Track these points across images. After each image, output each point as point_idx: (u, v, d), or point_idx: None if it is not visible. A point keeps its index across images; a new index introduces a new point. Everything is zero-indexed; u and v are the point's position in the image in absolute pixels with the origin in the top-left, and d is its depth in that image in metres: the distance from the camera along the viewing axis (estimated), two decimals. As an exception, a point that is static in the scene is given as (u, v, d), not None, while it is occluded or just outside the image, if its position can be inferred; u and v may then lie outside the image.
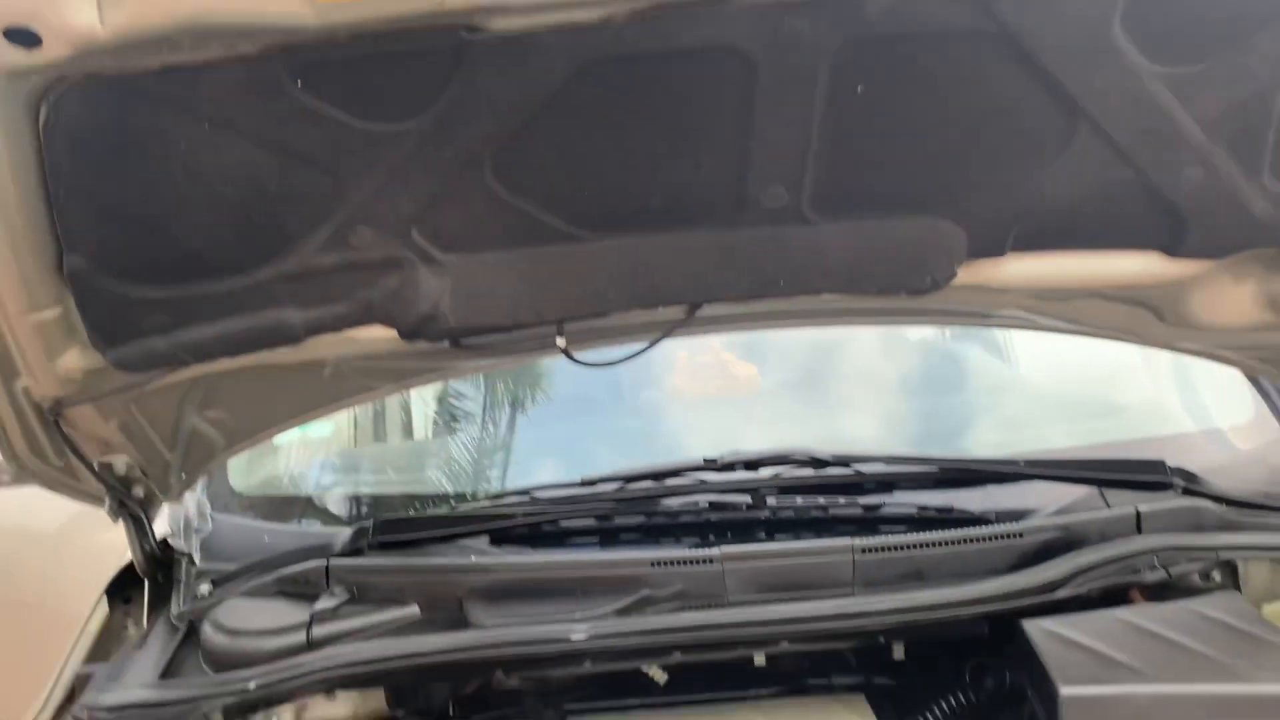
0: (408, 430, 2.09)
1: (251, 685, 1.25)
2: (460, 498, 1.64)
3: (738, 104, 1.08)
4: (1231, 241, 1.29)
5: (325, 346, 1.33)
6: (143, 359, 1.27)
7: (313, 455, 1.84)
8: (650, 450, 1.83)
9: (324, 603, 1.35)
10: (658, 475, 1.52)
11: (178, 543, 1.54)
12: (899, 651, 1.44)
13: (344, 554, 1.42)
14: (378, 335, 1.33)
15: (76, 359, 1.26)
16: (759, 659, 1.40)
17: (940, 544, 1.34)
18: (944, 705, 1.47)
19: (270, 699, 1.27)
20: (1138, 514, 1.39)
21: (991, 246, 1.30)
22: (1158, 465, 1.49)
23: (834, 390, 2.03)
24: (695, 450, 1.59)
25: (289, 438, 1.75)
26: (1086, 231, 1.31)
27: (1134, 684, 1.16)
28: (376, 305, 1.28)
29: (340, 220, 1.18)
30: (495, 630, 1.27)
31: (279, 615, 1.35)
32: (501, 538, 1.46)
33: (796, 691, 1.52)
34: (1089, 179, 1.22)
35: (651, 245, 1.26)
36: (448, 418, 2.03)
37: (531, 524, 1.43)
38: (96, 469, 1.40)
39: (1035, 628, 1.25)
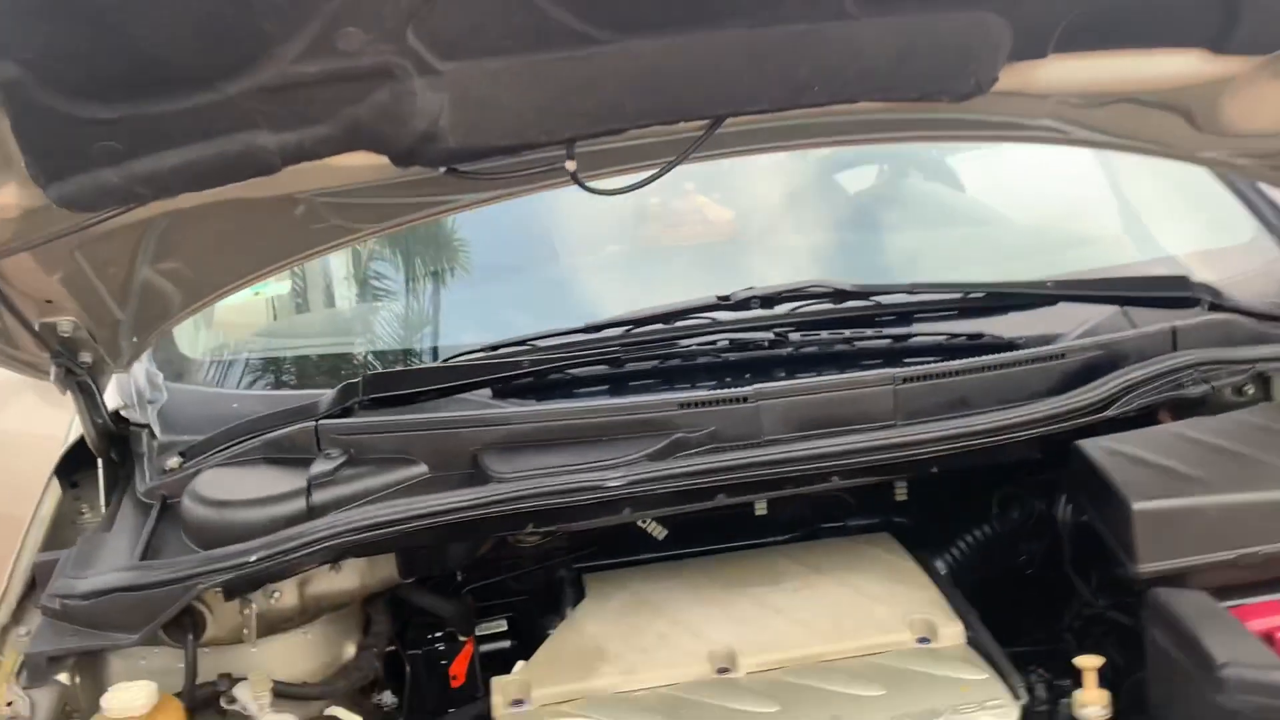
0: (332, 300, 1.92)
1: (253, 558, 1.11)
2: (451, 353, 1.49)
3: None
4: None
5: (302, 178, 1.16)
6: (91, 194, 1.07)
7: (270, 317, 1.67)
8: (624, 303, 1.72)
9: (320, 465, 1.21)
10: (667, 317, 1.40)
11: (132, 414, 1.37)
12: (901, 492, 1.39)
13: (333, 414, 1.28)
14: (363, 163, 1.16)
15: (12, 195, 1.06)
16: (760, 508, 1.32)
17: (985, 369, 1.27)
18: (971, 538, 1.43)
19: (272, 573, 1.14)
20: (1174, 330, 1.33)
21: (1036, 46, 1.19)
22: (1183, 281, 1.44)
23: (814, 232, 1.94)
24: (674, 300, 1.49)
25: (242, 298, 1.57)
26: (1134, 27, 1.21)
27: (1204, 495, 1.12)
28: (365, 125, 1.10)
29: (326, 17, 1.00)
30: (525, 481, 1.15)
31: (268, 483, 1.21)
32: (505, 390, 1.33)
33: (808, 538, 1.47)
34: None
35: (674, 48, 1.11)
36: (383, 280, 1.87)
37: (539, 373, 1.31)
38: (38, 330, 1.22)
39: (1094, 447, 1.19)
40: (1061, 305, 1.45)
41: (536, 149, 1.18)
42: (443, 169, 1.18)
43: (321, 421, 1.26)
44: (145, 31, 0.97)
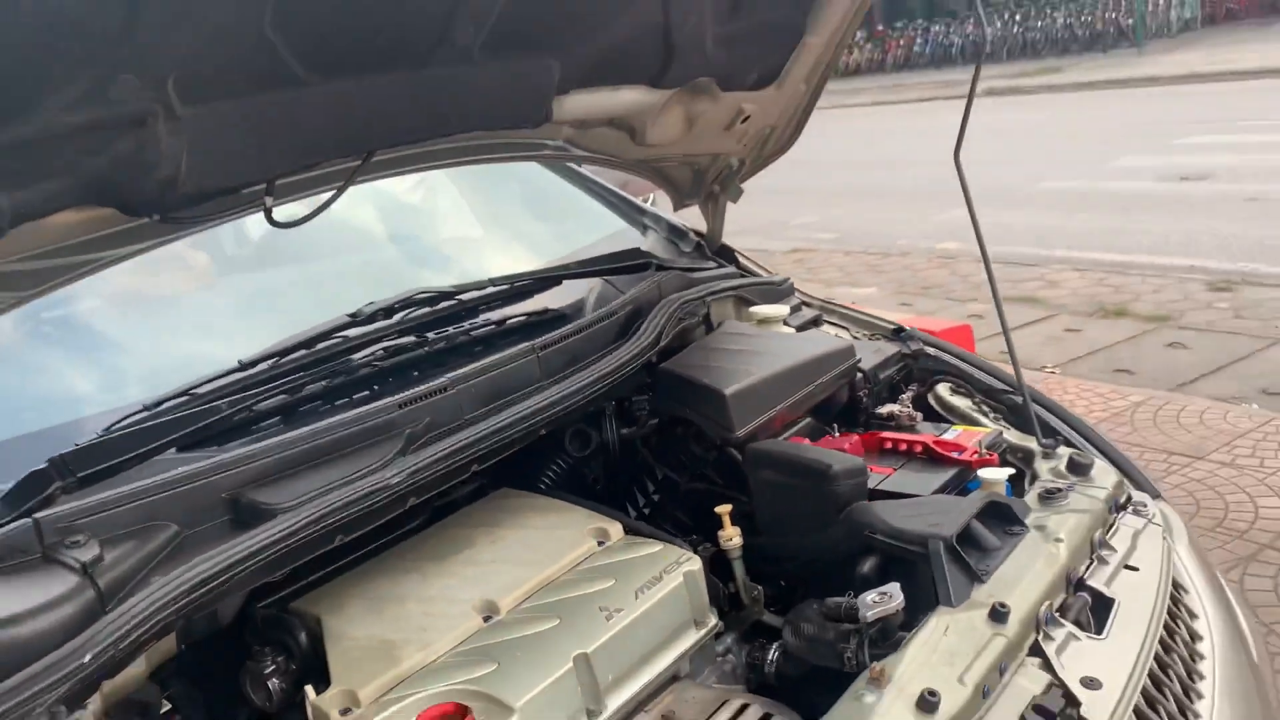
0: None
1: (87, 658, 0.99)
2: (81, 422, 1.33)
3: None
4: (687, 71, 1.79)
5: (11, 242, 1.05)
6: None
7: None
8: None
9: (80, 553, 1.09)
10: (310, 342, 1.49)
11: None
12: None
13: (41, 504, 1.14)
14: (70, 220, 1.10)
15: None
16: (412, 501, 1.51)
17: (582, 330, 1.64)
18: (559, 467, 1.78)
19: (109, 670, 1.02)
20: (659, 284, 1.86)
21: (565, 85, 1.60)
22: (638, 252, 1.99)
23: (288, 265, 2.06)
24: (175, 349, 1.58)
25: None
26: (618, 68, 1.69)
27: (745, 380, 1.65)
28: (105, 177, 1.06)
29: (108, 64, 0.97)
30: (315, 501, 1.20)
31: (19, 596, 1.05)
32: (192, 442, 1.31)
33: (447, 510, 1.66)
34: (635, 22, 1.60)
35: (362, 88, 1.28)
36: None
37: (243, 409, 1.32)
38: None
39: (675, 366, 1.66)
40: (565, 284, 1.89)
41: (250, 187, 1.22)
42: (157, 217, 1.16)
43: (40, 514, 1.12)
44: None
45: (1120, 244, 7.51)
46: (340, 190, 1.35)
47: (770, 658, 1.46)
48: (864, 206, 10.61)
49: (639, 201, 2.39)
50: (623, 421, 1.81)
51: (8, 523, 1.11)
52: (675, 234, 2.24)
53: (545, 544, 1.53)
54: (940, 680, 1.16)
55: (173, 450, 1.28)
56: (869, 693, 1.16)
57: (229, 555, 1.13)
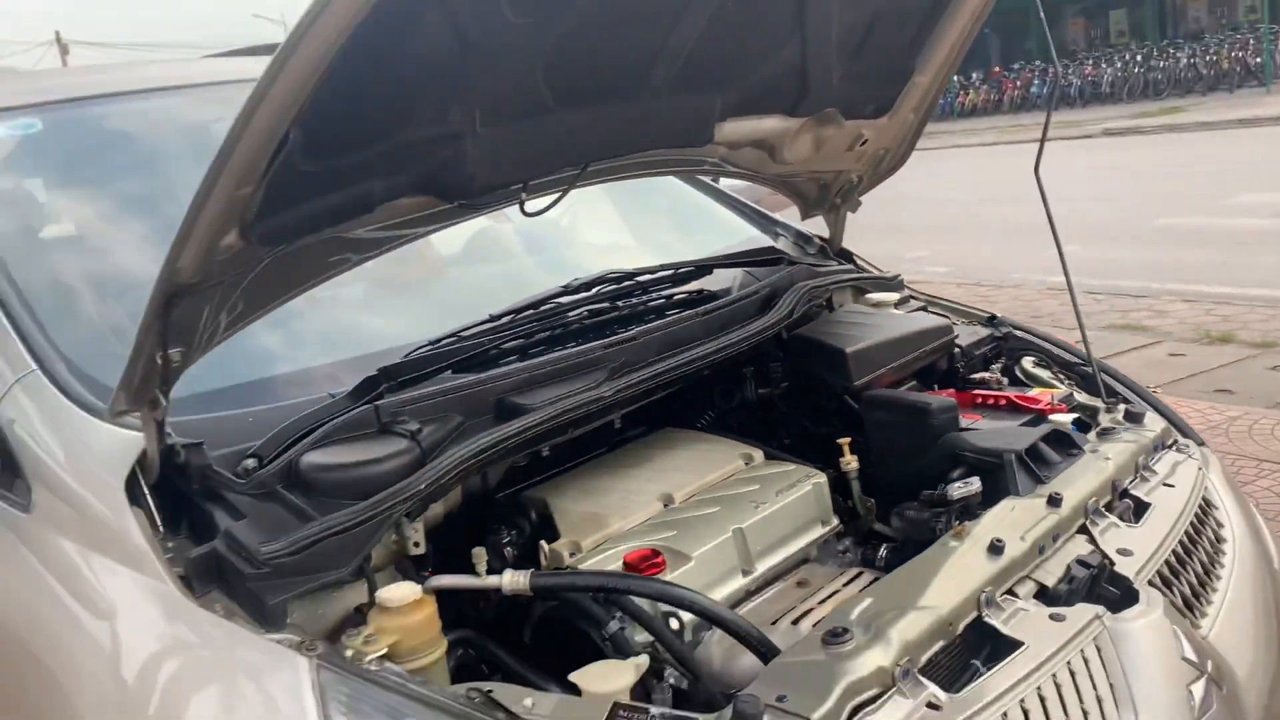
0: None
1: (422, 485, 1.51)
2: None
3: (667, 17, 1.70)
4: (818, 103, 2.26)
5: (371, 217, 1.59)
6: (276, 234, 1.41)
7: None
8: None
9: (406, 427, 1.61)
10: (535, 304, 2.02)
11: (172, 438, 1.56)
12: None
13: (376, 397, 1.67)
14: (402, 204, 1.63)
15: (233, 237, 1.35)
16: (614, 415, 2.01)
17: (732, 303, 2.12)
18: (710, 415, 2.26)
19: (432, 496, 1.54)
20: (791, 274, 2.33)
21: (726, 112, 2.10)
22: (774, 250, 2.47)
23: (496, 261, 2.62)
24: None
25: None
26: (763, 101, 2.18)
27: (867, 340, 2.11)
28: (431, 174, 1.60)
29: (448, 99, 1.50)
30: (553, 405, 1.71)
31: (371, 449, 1.58)
32: (463, 366, 1.83)
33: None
34: (779, 64, 2.08)
35: (596, 116, 1.80)
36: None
37: (494, 347, 1.84)
38: (161, 359, 1.41)
39: (809, 331, 2.13)
40: (716, 272, 2.37)
41: (514, 185, 1.75)
42: (460, 203, 1.69)
43: (377, 403, 1.65)
44: (373, 107, 1.38)
45: (1232, 278, 7.64)
46: (565, 191, 1.87)
47: (880, 554, 1.90)
48: (978, 242, 10.84)
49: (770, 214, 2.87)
50: (759, 383, 2.29)
51: (355, 408, 1.64)
52: (802, 239, 2.71)
53: (705, 460, 2.01)
54: (1007, 537, 1.59)
55: (449, 371, 1.81)
56: (952, 541, 1.60)
57: (497, 435, 1.63)
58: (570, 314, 2.00)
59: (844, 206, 2.61)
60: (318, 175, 1.40)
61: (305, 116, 1.27)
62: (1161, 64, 25.27)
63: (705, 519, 1.80)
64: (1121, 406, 2.09)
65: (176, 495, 1.54)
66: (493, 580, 1.53)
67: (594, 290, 2.10)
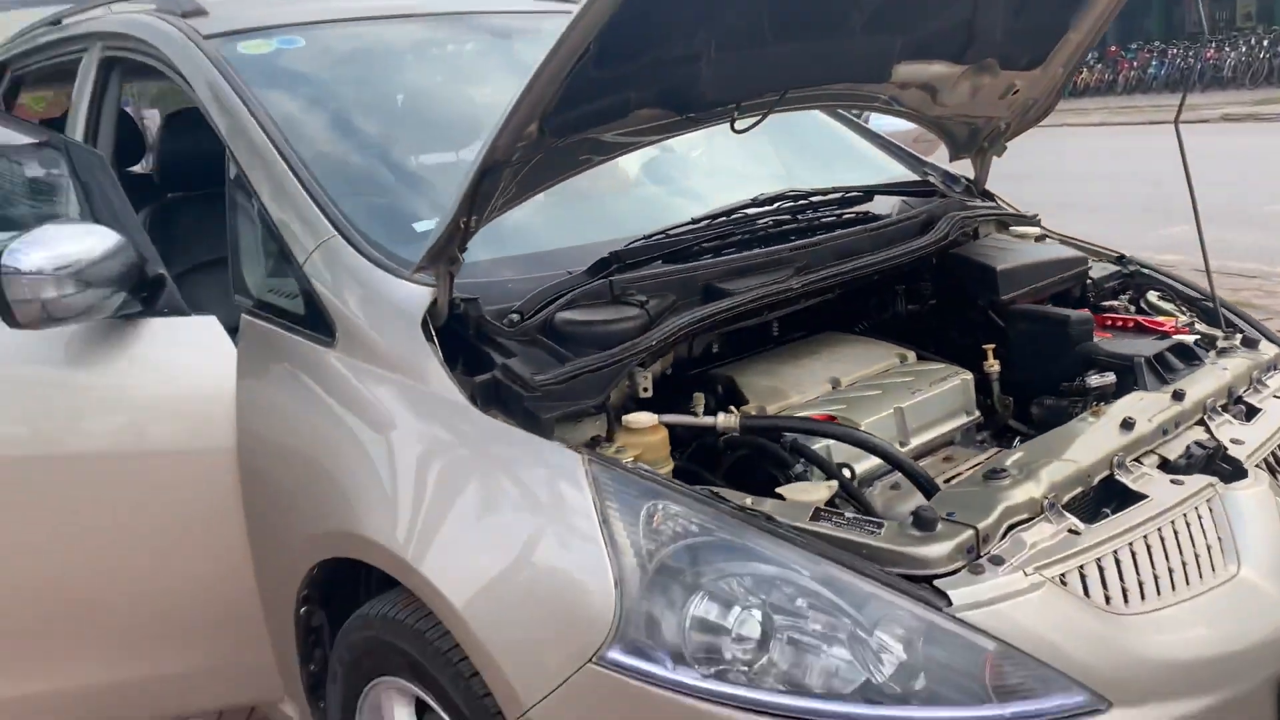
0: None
1: (654, 341, 1.87)
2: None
3: None
4: (980, 53, 2.55)
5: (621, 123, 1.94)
6: (560, 128, 1.77)
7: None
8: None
9: (637, 298, 1.97)
10: (728, 212, 2.36)
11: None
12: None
13: (609, 274, 2.02)
14: (642, 114, 1.98)
15: (534, 127, 1.71)
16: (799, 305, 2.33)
17: (894, 224, 2.44)
18: (872, 321, 2.58)
19: (659, 351, 1.90)
20: (945, 204, 2.63)
21: (903, 55, 2.40)
22: (928, 182, 2.77)
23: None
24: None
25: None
26: (934, 47, 2.47)
27: (1013, 261, 2.41)
28: (670, 89, 1.94)
29: (710, 30, 1.84)
30: (753, 291, 2.05)
31: (610, 312, 1.94)
32: (673, 258, 2.17)
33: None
34: (952, 16, 2.37)
35: (800, 49, 2.12)
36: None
37: (699, 244, 2.19)
38: (472, 224, 1.80)
39: (962, 251, 2.44)
40: (876, 199, 2.69)
41: (728, 104, 2.08)
42: (685, 116, 2.04)
43: (611, 278, 2.01)
44: (638, 30, 1.73)
45: (1345, 263, 7.65)
46: (767, 113, 2.19)
47: (1015, 444, 2.21)
48: (1089, 220, 10.85)
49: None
50: (911, 298, 2.60)
51: (593, 282, 2.00)
52: (950, 179, 2.99)
53: (865, 355, 2.34)
54: (1137, 417, 1.89)
55: (660, 261, 2.16)
56: (1089, 418, 1.91)
57: (707, 311, 1.98)
58: (758, 222, 2.33)
59: (990, 150, 2.88)
60: (598, 82, 1.76)
61: (603, 33, 1.62)
62: (1289, 50, 24.52)
63: (869, 399, 2.13)
64: (1238, 335, 2.36)
65: (454, 338, 1.92)
66: (708, 420, 1.89)
67: (775, 205, 2.43)
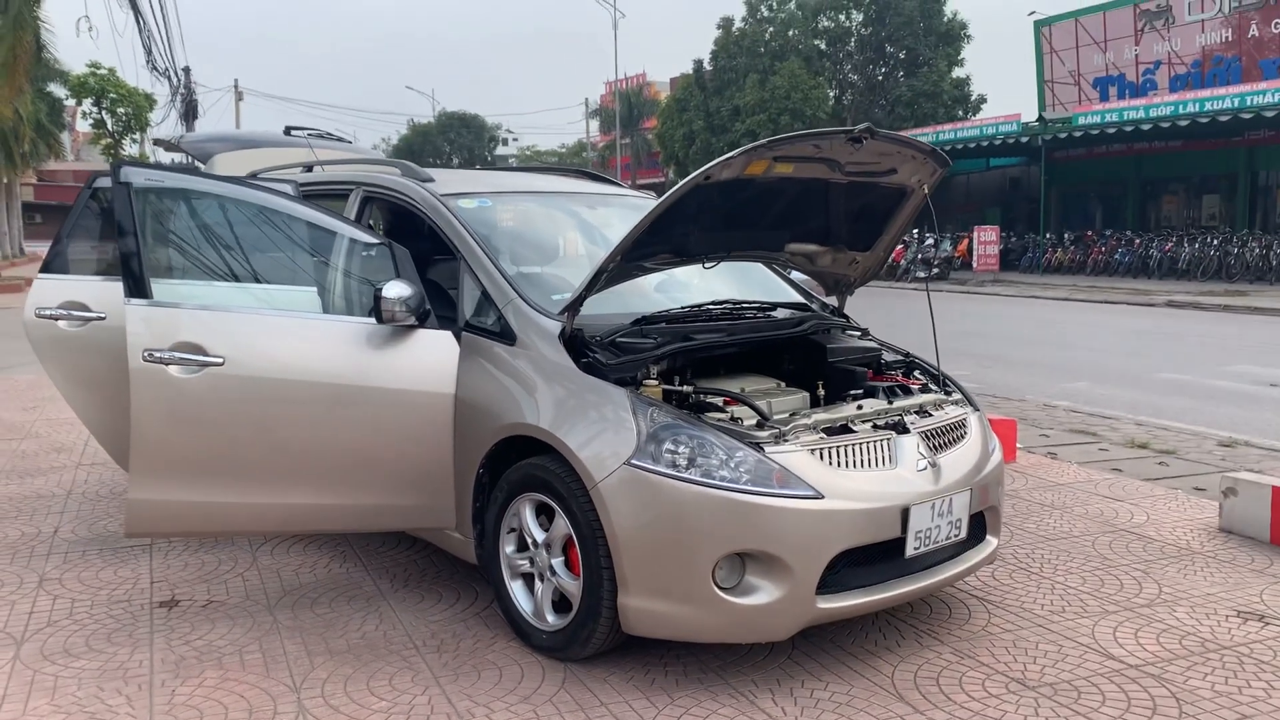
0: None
1: (656, 354, 4.32)
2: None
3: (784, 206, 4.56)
4: (834, 241, 5.06)
5: (652, 263, 4.46)
6: (630, 259, 4.27)
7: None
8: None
9: (653, 338, 4.41)
10: (702, 305, 4.84)
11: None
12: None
13: (641, 324, 4.48)
14: (664, 257, 4.50)
15: (618, 260, 4.21)
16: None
17: (789, 318, 4.92)
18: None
19: (657, 360, 4.35)
20: (812, 315, 5.11)
21: (794, 240, 4.92)
22: (808, 305, 5.29)
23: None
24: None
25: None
26: (808, 237, 4.99)
27: (841, 343, 4.88)
28: (679, 247, 4.46)
29: (698, 225, 4.36)
30: (709, 339, 4.52)
31: (642, 341, 4.38)
32: (670, 322, 4.64)
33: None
34: (819, 224, 4.90)
35: (738, 234, 4.64)
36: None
37: (690, 318, 4.67)
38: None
39: (815, 337, 4.94)
40: (779, 309, 5.16)
41: (702, 256, 4.59)
42: (682, 259, 4.55)
43: (642, 326, 4.46)
44: (668, 222, 4.25)
45: (1187, 418, 10.00)
46: (719, 261, 4.68)
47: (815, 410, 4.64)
48: (1012, 371, 13.40)
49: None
50: (788, 357, 5.06)
51: (632, 328, 4.47)
52: (823, 305, 5.47)
53: (760, 380, 4.76)
54: (867, 406, 4.34)
55: (664, 323, 4.63)
56: (849, 405, 4.36)
57: (682, 346, 4.41)
58: (715, 311, 4.82)
59: (846, 292, 5.40)
60: (646, 243, 4.25)
61: (653, 224, 4.13)
62: (1236, 250, 27.39)
63: (759, 393, 4.56)
64: (948, 391, 4.81)
65: (571, 344, 4.37)
66: (681, 387, 4.33)
67: (724, 305, 4.91)
